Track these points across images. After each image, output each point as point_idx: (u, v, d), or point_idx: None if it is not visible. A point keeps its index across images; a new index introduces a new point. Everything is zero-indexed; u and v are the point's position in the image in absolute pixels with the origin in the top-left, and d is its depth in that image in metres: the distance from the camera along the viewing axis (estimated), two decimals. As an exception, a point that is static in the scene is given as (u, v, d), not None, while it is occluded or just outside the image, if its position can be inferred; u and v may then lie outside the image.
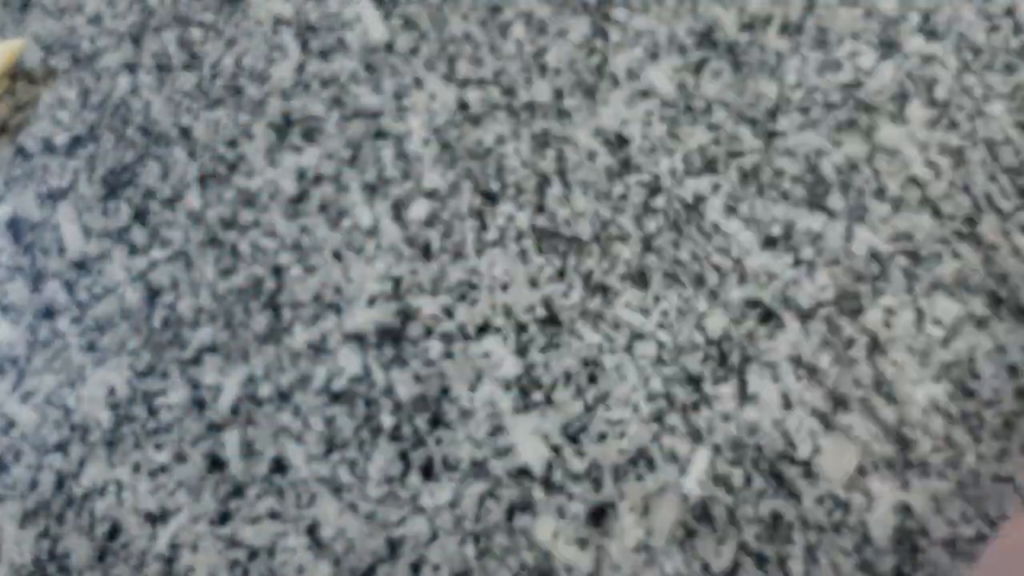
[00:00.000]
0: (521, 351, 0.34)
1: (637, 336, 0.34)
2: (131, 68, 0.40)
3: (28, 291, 0.36)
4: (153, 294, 0.35)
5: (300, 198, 0.37)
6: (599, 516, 0.31)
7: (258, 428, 0.33)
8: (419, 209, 0.36)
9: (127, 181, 0.38)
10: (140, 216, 0.37)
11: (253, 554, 0.31)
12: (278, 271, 0.36)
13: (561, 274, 0.35)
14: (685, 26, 0.40)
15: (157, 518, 0.32)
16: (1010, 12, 0.40)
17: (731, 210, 0.36)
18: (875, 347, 0.33)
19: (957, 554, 0.31)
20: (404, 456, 0.32)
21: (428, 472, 0.32)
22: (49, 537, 0.32)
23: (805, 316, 0.34)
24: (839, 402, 0.33)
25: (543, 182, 0.37)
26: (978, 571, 0.29)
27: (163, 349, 0.34)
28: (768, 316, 0.34)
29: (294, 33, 0.41)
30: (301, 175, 0.37)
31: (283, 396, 0.33)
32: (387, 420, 0.33)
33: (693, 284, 0.35)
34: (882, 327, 0.34)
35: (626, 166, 0.37)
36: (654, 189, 0.36)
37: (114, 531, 0.32)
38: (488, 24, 0.41)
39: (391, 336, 0.34)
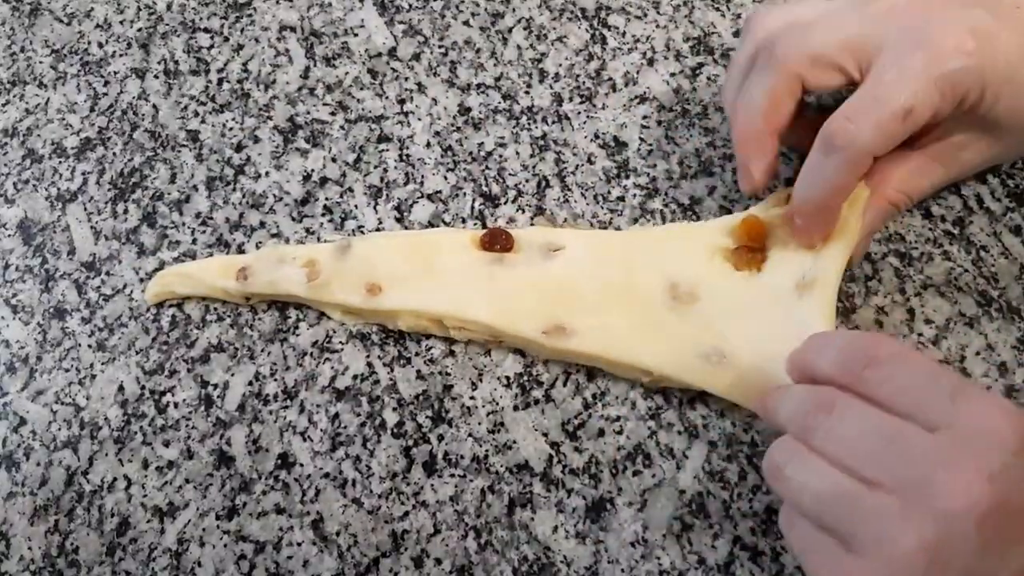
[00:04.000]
0: (521, 349, 0.34)
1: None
2: (139, 73, 0.41)
3: (38, 291, 0.37)
4: (161, 294, 0.36)
5: (305, 200, 0.38)
6: (597, 511, 0.32)
7: (264, 425, 0.34)
8: (422, 211, 0.37)
9: (136, 184, 0.38)
10: (148, 218, 0.38)
11: (259, 548, 0.32)
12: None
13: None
14: (681, 32, 0.41)
15: (165, 513, 0.33)
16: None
17: (726, 212, 0.37)
18: (867, 345, 0.34)
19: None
20: (407, 452, 0.33)
21: (430, 468, 0.33)
22: (59, 532, 0.32)
23: (799, 315, 0.35)
24: (832, 399, 0.33)
25: (543, 184, 0.38)
26: None
27: (171, 348, 0.35)
28: (763, 315, 0.35)
29: (300, 39, 0.42)
30: (306, 178, 0.38)
31: (289, 394, 0.34)
32: (390, 417, 0.34)
33: (689, 284, 0.35)
34: (874, 326, 0.34)
35: (624, 169, 0.38)
36: (651, 191, 0.37)
37: (123, 526, 0.32)
38: (489, 30, 0.41)
39: (394, 335, 0.35)
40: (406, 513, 0.32)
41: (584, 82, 0.40)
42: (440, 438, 0.33)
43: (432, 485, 0.32)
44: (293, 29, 0.42)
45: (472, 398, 0.34)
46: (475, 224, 0.37)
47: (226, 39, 0.42)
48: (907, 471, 0.22)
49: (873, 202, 0.30)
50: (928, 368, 0.24)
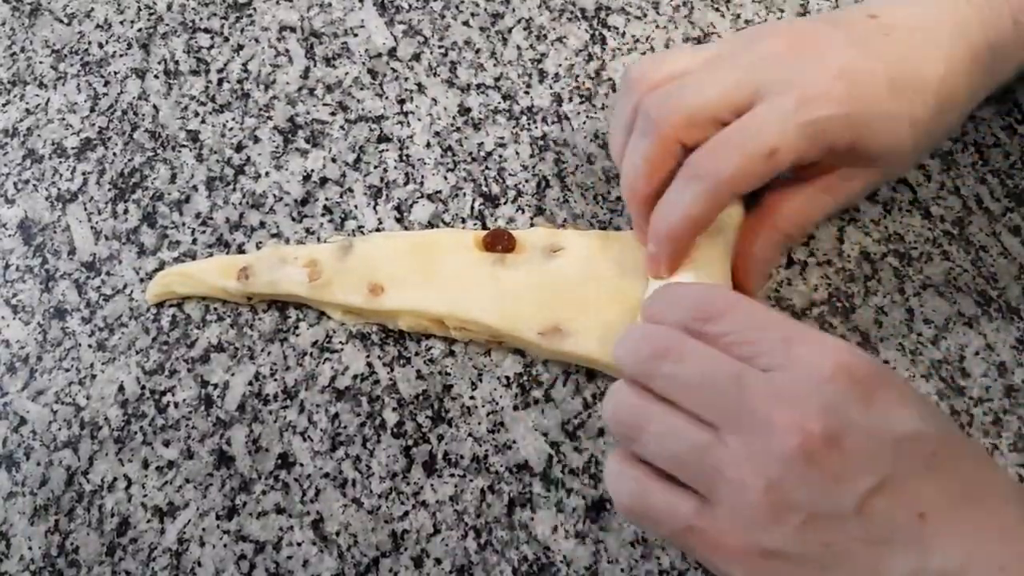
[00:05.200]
0: (521, 349, 0.34)
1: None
2: (140, 73, 0.41)
3: (39, 291, 0.37)
4: (161, 294, 0.36)
5: (305, 200, 0.38)
6: (597, 510, 0.32)
7: (264, 425, 0.34)
8: (421, 211, 0.37)
9: (136, 184, 0.38)
10: (148, 218, 0.38)
11: (259, 548, 0.32)
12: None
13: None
14: (681, 32, 0.41)
15: (165, 513, 0.33)
16: (1000, 18, 0.41)
17: (726, 212, 0.37)
18: (866, 345, 0.34)
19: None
20: (407, 452, 0.33)
21: (430, 468, 0.33)
22: (59, 532, 0.33)
23: (798, 315, 0.35)
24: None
25: (543, 184, 0.38)
26: None
27: (171, 348, 0.35)
28: (762, 315, 0.35)
29: (300, 39, 0.42)
30: (306, 178, 0.38)
31: (289, 394, 0.34)
32: (390, 417, 0.34)
33: (689, 284, 0.35)
34: (873, 326, 0.34)
35: (624, 169, 0.38)
36: (651, 191, 0.37)
37: (123, 526, 0.32)
38: (489, 31, 0.41)
39: (394, 335, 0.35)
40: (406, 513, 0.32)
41: (584, 82, 0.40)
42: (440, 438, 0.33)
43: (432, 485, 0.32)
44: (293, 29, 0.42)
45: (472, 398, 0.34)
46: (475, 224, 0.37)
47: (226, 39, 0.42)
48: (745, 413, 0.23)
49: (766, 232, 0.31)
50: (763, 316, 0.25)
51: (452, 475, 0.33)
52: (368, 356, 0.35)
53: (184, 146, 0.39)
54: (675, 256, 0.30)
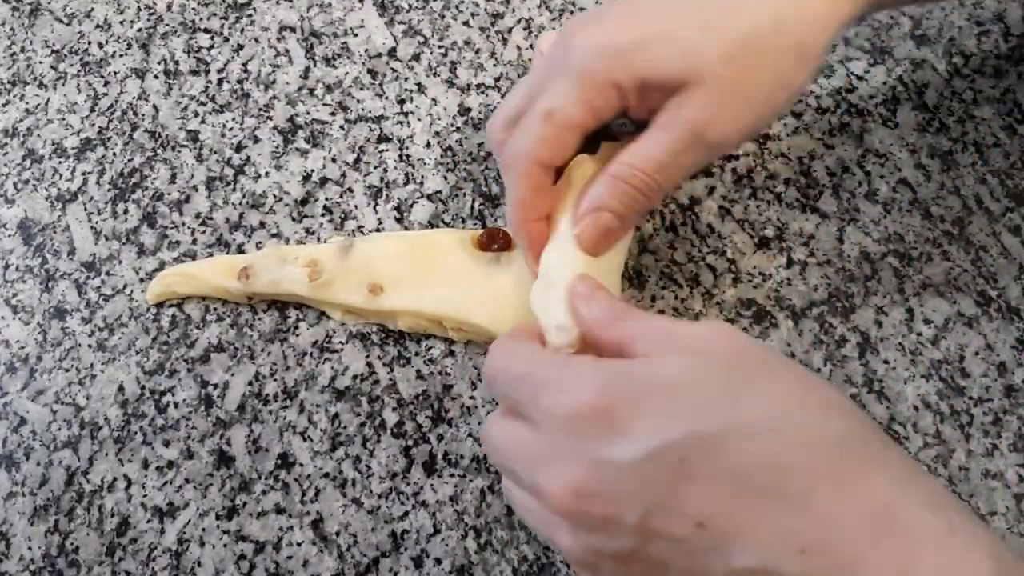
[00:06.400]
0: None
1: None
2: (139, 73, 0.41)
3: (39, 291, 0.37)
4: (161, 294, 0.36)
5: (305, 200, 0.38)
6: (597, 510, 0.32)
7: (264, 425, 0.34)
8: (421, 211, 0.37)
9: (136, 184, 0.38)
10: (148, 218, 0.38)
11: (259, 548, 0.32)
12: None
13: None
14: (681, 32, 0.41)
15: (165, 513, 0.33)
16: (1000, 18, 0.41)
17: (726, 212, 0.37)
18: (866, 346, 0.34)
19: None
20: (407, 452, 0.33)
21: (430, 468, 0.33)
22: (59, 532, 0.33)
23: (798, 315, 0.35)
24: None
25: (542, 185, 0.38)
26: None
27: (171, 348, 0.35)
28: (761, 315, 0.35)
29: (300, 39, 0.42)
30: (306, 178, 0.38)
31: (289, 394, 0.34)
32: (390, 417, 0.34)
33: (689, 284, 0.35)
34: (873, 326, 0.34)
35: (624, 169, 0.38)
36: (651, 191, 0.37)
37: (123, 526, 0.32)
38: (489, 31, 0.41)
39: (394, 335, 0.35)
40: (406, 513, 0.32)
41: (584, 82, 0.40)
42: (440, 438, 0.33)
43: (432, 485, 0.32)
44: (293, 29, 0.42)
45: (472, 398, 0.34)
46: (475, 224, 0.37)
47: (226, 39, 0.42)
48: (528, 482, 0.24)
49: (601, 176, 0.30)
50: (518, 368, 0.25)
51: (452, 475, 0.33)
52: (368, 356, 0.35)
53: (184, 146, 0.39)
54: (529, 242, 0.31)
